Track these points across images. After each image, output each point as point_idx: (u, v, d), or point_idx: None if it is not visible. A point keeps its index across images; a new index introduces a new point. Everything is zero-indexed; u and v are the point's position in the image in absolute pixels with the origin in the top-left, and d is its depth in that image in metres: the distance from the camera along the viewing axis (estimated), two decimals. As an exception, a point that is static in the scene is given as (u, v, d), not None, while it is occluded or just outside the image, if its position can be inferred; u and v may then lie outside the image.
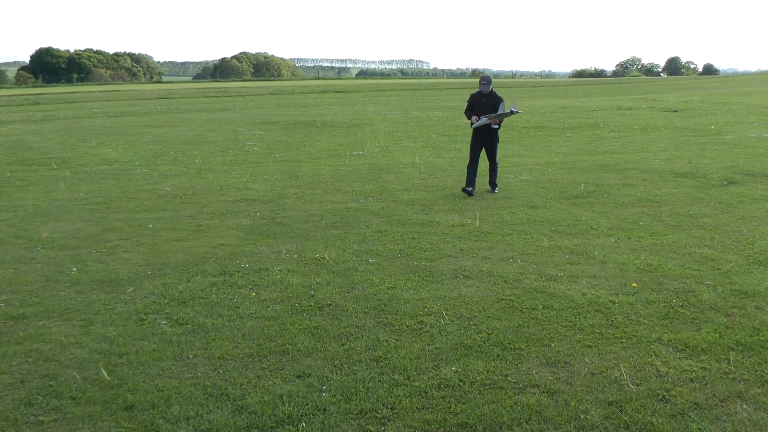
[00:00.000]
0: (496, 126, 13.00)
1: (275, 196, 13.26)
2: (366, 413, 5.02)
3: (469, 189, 13.18)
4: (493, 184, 13.77)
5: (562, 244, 9.46)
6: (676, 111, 32.55)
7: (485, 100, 13.13)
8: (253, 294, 7.47)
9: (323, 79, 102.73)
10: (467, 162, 13.65)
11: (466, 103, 13.63)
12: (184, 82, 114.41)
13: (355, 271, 8.13)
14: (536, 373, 5.65)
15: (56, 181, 15.58)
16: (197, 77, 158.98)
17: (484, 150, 13.53)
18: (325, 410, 5.05)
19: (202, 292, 7.52)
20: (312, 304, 7.17)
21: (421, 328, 6.54)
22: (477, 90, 13.33)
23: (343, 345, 6.17)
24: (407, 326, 6.60)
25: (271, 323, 6.66)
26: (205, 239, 9.86)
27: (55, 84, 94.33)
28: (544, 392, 5.33)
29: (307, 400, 5.19)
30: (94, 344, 6.21)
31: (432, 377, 5.57)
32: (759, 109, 33.12)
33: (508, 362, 5.85)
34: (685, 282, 7.71)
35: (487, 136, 13.34)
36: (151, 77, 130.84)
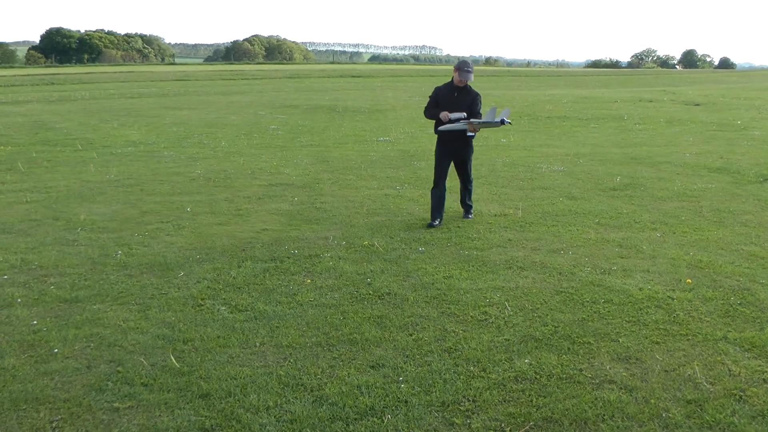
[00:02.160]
0: (473, 134, 9.55)
1: (309, 181, 13.08)
2: (448, 405, 4.88)
3: (436, 223, 9.80)
4: (467, 206, 10.37)
5: (609, 237, 9.30)
6: (698, 104, 32.26)
7: (457, 96, 9.55)
8: (308, 281, 7.30)
9: (338, 63, 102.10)
10: (431, 184, 10.27)
11: (428, 99, 9.86)
12: (197, 64, 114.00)
13: (407, 259, 7.97)
14: (610, 368, 5.50)
15: (83, 162, 15.41)
16: (209, 59, 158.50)
17: (453, 166, 10.07)
18: (406, 402, 4.90)
19: (256, 278, 7.35)
20: (370, 292, 7.01)
21: (486, 319, 6.37)
22: (446, 81, 9.78)
23: (410, 335, 6.01)
24: (471, 317, 6.44)
25: (333, 311, 6.49)
26: (246, 224, 9.70)
27: (66, 64, 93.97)
28: (621, 388, 5.19)
29: (386, 391, 5.03)
30: (155, 329, 6.05)
31: (507, 369, 5.42)
32: (783, 104, 32.75)
33: (579, 356, 5.70)
34: (738, 280, 7.55)
35: (459, 148, 9.77)
36: (163, 59, 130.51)
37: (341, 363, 5.48)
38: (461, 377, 5.28)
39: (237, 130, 21.48)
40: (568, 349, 5.85)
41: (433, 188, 9.89)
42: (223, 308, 6.52)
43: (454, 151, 9.84)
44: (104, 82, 52.44)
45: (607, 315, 6.58)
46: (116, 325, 6.16)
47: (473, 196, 10.70)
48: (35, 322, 6.20)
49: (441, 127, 9.43)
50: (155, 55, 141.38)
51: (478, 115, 9.60)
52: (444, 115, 9.36)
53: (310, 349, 5.72)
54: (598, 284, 7.43)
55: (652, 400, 5.01)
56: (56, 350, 5.64)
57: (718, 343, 5.96)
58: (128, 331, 6.03)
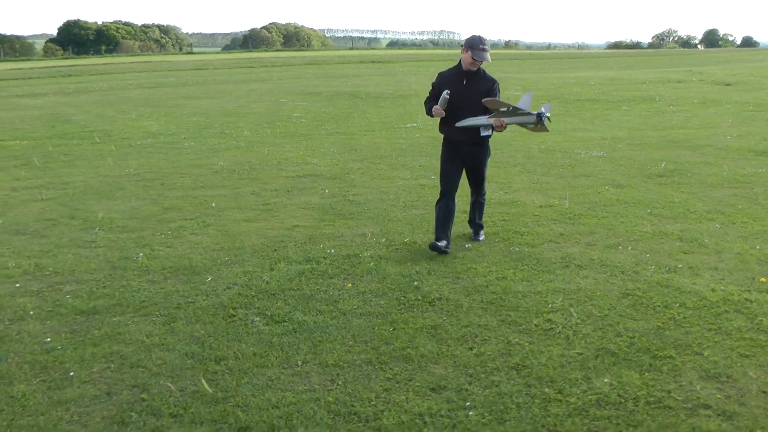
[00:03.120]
0: (488, 134, 7.42)
1: (339, 171, 12.35)
2: (527, 440, 4.09)
3: (442, 244, 7.62)
4: (477, 226, 8.27)
5: (667, 230, 8.64)
6: (728, 84, 31.31)
7: (468, 84, 7.40)
8: (349, 285, 6.60)
9: (357, 49, 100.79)
10: (437, 197, 7.99)
11: (431, 87, 7.74)
12: (215, 53, 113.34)
13: (454, 257, 7.26)
14: (701, 389, 4.82)
15: (102, 155, 14.73)
16: (226, 48, 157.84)
17: (465, 174, 7.91)
18: (477, 435, 4.13)
19: (291, 283, 6.65)
20: (419, 297, 6.32)
21: (552, 329, 5.66)
22: (453, 66, 7.67)
23: (471, 349, 5.31)
24: (536, 326, 5.73)
25: (381, 321, 5.79)
26: (276, 220, 8.99)
27: (84, 56, 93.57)
28: (719, 415, 4.50)
29: (453, 420, 4.36)
30: (183, 346, 5.35)
31: (586, 391, 4.74)
32: (815, 83, 31.75)
33: (664, 374, 5.03)
34: None
35: (473, 150, 7.61)
36: (181, 48, 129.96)
37: (397, 386, 4.78)
38: (536, 401, 4.59)
39: (259, 119, 20.74)
40: (650, 365, 5.16)
41: (438, 200, 7.65)
42: (258, 319, 5.83)
43: (465, 154, 7.55)
44: (122, 73, 51.83)
45: (683, 322, 5.90)
46: (139, 341, 5.47)
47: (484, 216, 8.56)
48: (49, 339, 5.53)
49: (458, 124, 7.31)
50: (173, 45, 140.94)
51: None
52: (437, 110, 7.33)
53: (360, 368, 5.02)
54: (666, 285, 6.75)
55: (758, 431, 4.32)
56: (72, 373, 4.96)
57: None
58: (152, 348, 5.34)
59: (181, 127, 19.44)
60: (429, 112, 7.49)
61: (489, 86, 7.33)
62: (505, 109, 7.06)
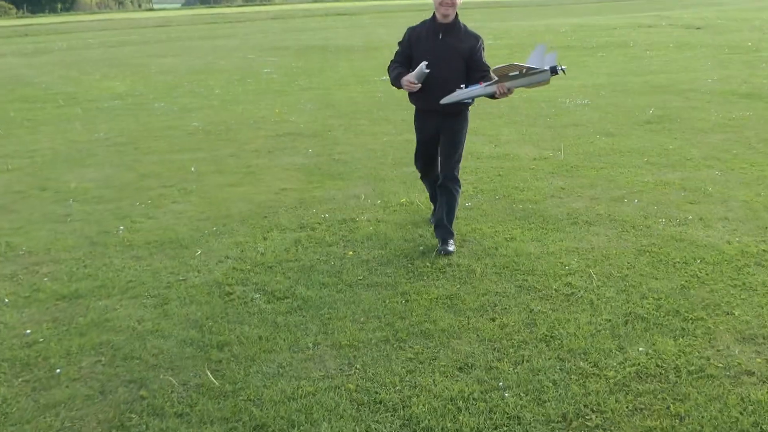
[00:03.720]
0: (469, 101, 6.02)
1: (319, 129, 11.82)
2: (572, 421, 3.81)
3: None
4: (445, 230, 6.42)
5: (668, 179, 8.36)
6: (699, 28, 31.00)
7: (443, 39, 5.97)
8: (350, 253, 6.16)
9: (321, 1, 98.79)
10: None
11: (398, 47, 6.25)
12: (176, 9, 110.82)
13: (456, 217, 6.78)
14: (739, 353, 4.50)
15: (68, 119, 13.99)
16: (187, 3, 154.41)
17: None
18: (519, 419, 3.84)
19: (288, 253, 6.19)
20: (427, 264, 5.93)
21: (573, 293, 5.32)
22: (425, 20, 6.13)
23: (493, 320, 4.93)
24: (556, 291, 5.38)
25: (391, 293, 5.38)
26: (262, 184, 8.48)
27: (40, 14, 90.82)
28: (764, 381, 4.19)
29: (489, 405, 3.97)
30: (180, 331, 4.89)
31: (623, 363, 4.41)
32: (783, 24, 31.58)
33: (698, 338, 4.70)
34: None
35: (448, 120, 6.19)
36: (140, 5, 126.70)
37: (421, 366, 4.39)
38: (573, 378, 4.23)
39: (229, 76, 19.99)
40: (682, 329, 4.83)
41: (420, 177, 6.88)
42: (258, 296, 5.37)
43: (438, 126, 6.20)
44: (81, 32, 50.18)
45: (707, 279, 5.60)
46: (130, 328, 4.99)
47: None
48: (29, 330, 5.01)
49: (446, 99, 5.86)
50: (131, 2, 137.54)
51: (482, 73, 5.95)
52: (409, 84, 5.85)
53: (378, 348, 4.61)
54: (680, 239, 6.45)
55: (809, 396, 3.90)
56: (59, 370, 4.46)
57: None
58: (146, 335, 4.86)
59: (149, 86, 18.65)
60: (395, 82, 5.96)
61: (471, 44, 5.86)
62: (516, 72, 5.57)
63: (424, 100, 6.02)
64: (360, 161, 9.45)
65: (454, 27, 5.92)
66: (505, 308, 5.13)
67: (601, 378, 4.23)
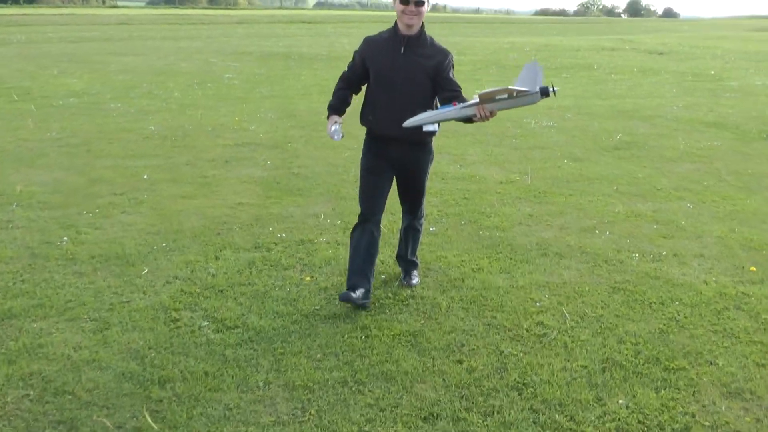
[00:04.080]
0: (434, 128, 5.09)
1: (280, 140, 11.36)
2: (549, 490, 3.34)
3: (358, 295, 5.22)
4: (409, 264, 5.90)
5: (639, 210, 8.12)
6: (662, 53, 31.24)
7: (408, 55, 5.05)
8: (308, 278, 5.73)
9: (285, 8, 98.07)
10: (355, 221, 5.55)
11: (352, 60, 5.30)
12: (139, 7, 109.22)
13: (420, 243, 6.37)
14: (726, 410, 4.21)
15: (20, 115, 13.30)
16: (151, 2, 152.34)
17: (397, 189, 5.57)
18: (489, 486, 3.36)
19: (241, 276, 5.73)
20: (390, 295, 5.56)
21: (545, 334, 4.96)
22: (384, 31, 5.21)
23: (460, 362, 4.55)
24: (527, 330, 5.01)
25: (350, 327, 4.99)
26: (216, 196, 8.01)
27: (1, 5, 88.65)
28: (755, 445, 3.73)
29: (458, 465, 3.48)
30: (119, 362, 4.41)
31: (602, 418, 4.08)
32: (743, 55, 31.97)
33: (681, 391, 4.39)
34: None
35: (409, 152, 5.28)
36: (104, 1, 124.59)
37: (381, 415, 3.98)
38: (549, 433, 3.77)
39: (189, 79, 19.40)
40: (664, 380, 4.51)
41: (356, 226, 5.35)
42: (206, 324, 4.92)
43: (397, 158, 5.18)
44: (42, 25, 48.80)
45: (686, 323, 5.29)
46: (65, 356, 4.50)
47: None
48: (-48, 355, 4.46)
49: (411, 121, 4.87)
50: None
51: (453, 93, 5.02)
52: (331, 130, 5.20)
53: (334, 390, 4.18)
54: (655, 276, 6.16)
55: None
56: (-20, 406, 3.93)
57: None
58: (82, 366, 4.37)
59: (107, 85, 17.96)
60: (328, 111, 5.30)
61: (439, 60, 4.97)
62: (504, 96, 4.74)
63: (382, 124, 5.06)
64: (320, 176, 9.02)
65: (419, 40, 5.00)
66: (473, 349, 4.75)
67: (580, 435, 3.84)
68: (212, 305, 5.22)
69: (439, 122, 4.95)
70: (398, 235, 5.91)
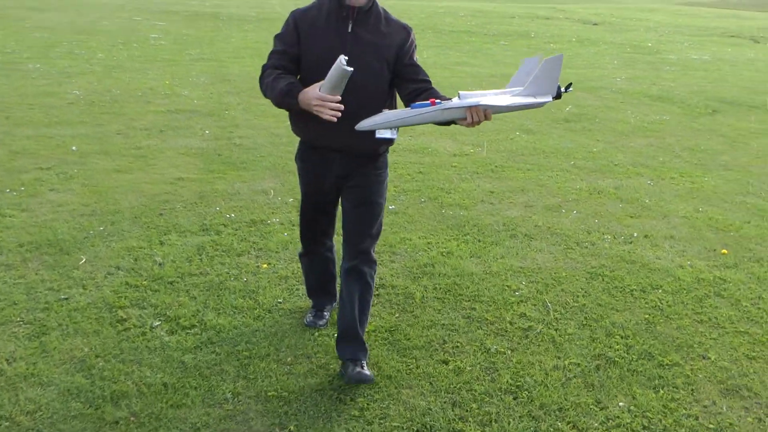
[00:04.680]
0: (389, 135, 3.49)
1: (216, 107, 10.68)
2: None
3: (322, 323, 4.58)
4: (357, 344, 3.99)
5: (601, 187, 7.90)
6: (596, 24, 31.19)
7: (357, 33, 3.60)
8: (265, 265, 5.22)
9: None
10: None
11: (275, 45, 3.72)
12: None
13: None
14: (728, 409, 3.95)
15: (-74, 79, 12.23)
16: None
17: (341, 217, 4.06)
18: None
19: (191, 264, 5.18)
20: (359, 285, 4.92)
21: (530, 328, 4.60)
22: (315, 1, 3.72)
23: (446, 363, 4.13)
24: (510, 324, 4.65)
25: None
26: (154, 170, 7.37)
27: None
28: (764, 449, 3.47)
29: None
30: (64, 377, 3.85)
31: (606, 424, 3.80)
32: (676, 29, 32.13)
33: (680, 390, 4.11)
34: None
35: (357, 166, 3.86)
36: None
37: (369, 428, 3.57)
38: (554, 447, 3.38)
39: (112, 39, 18.28)
40: (660, 377, 4.23)
41: (301, 255, 4.48)
42: (159, 324, 4.36)
43: (341, 175, 3.90)
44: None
45: (670, 313, 5.03)
46: (-3, 367, 3.85)
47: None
48: None
49: (366, 123, 3.50)
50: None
51: (422, 85, 3.71)
52: (317, 100, 3.34)
53: (313, 401, 3.70)
54: (630, 260, 5.89)
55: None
56: None
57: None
58: (18, 382, 3.77)
59: (23, 43, 16.71)
60: (286, 99, 3.47)
61: (400, 40, 3.65)
62: (521, 103, 3.38)
63: (323, 131, 3.55)
64: (264, 148, 8.44)
65: (371, 14, 3.60)
66: (457, 346, 4.33)
67: (585, 446, 3.45)
68: (162, 300, 4.64)
69: (401, 126, 3.47)
70: (339, 289, 4.13)
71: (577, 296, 5.14)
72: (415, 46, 3.69)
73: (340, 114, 3.26)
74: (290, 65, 3.59)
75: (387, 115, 3.44)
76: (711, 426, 3.77)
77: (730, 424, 3.79)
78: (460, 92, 3.32)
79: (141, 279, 4.94)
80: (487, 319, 4.70)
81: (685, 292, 5.36)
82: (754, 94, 14.84)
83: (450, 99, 3.38)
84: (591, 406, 3.84)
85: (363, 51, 3.52)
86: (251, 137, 9.00)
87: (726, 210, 7.35)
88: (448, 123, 3.44)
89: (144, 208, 6.31)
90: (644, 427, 3.72)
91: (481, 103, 3.23)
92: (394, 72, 3.64)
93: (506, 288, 5.17)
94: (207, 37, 19.72)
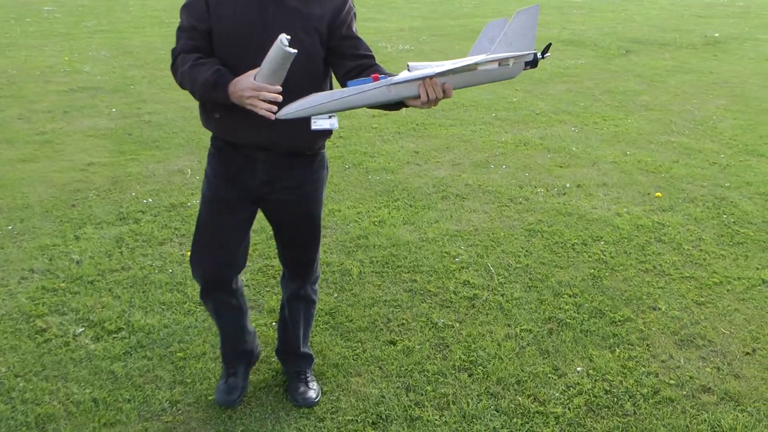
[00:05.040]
0: (328, 125, 2.58)
1: (120, 82, 10.12)
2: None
3: (235, 398, 3.45)
4: (305, 361, 3.65)
5: (526, 138, 7.81)
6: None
7: (281, 3, 2.76)
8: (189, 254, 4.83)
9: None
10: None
11: (182, 22, 2.82)
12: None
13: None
14: (686, 362, 3.87)
15: None
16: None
17: (273, 236, 3.42)
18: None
19: (111, 260, 4.82)
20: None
21: (476, 296, 4.41)
22: None
23: (393, 344, 3.93)
24: (455, 294, 4.45)
25: (254, 314, 4.31)
26: (61, 157, 6.91)
27: None
28: (725, 400, 3.58)
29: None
30: (-22, 396, 3.43)
31: (567, 393, 3.66)
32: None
33: (636, 348, 4.01)
34: (703, 186, 6.46)
35: (294, 171, 3.05)
36: None
37: (322, 426, 3.33)
38: (518, 423, 3.26)
39: (4, 14, 17.16)
40: (614, 335, 4.12)
41: (202, 296, 3.35)
42: (81, 330, 4.02)
43: (266, 184, 3.06)
44: None
45: (614, 264, 4.95)
46: None
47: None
48: None
49: (288, 110, 2.61)
50: None
51: (364, 61, 2.94)
52: (251, 91, 2.57)
53: (258, 400, 3.49)
54: (567, 213, 5.81)
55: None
56: None
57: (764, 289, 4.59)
58: (-74, 408, 3.37)
59: None
60: (213, 92, 2.70)
61: (334, 7, 2.89)
62: (493, 66, 2.70)
63: (239, 124, 2.85)
64: (176, 123, 8.02)
65: None
66: (403, 324, 4.11)
67: (549, 418, 3.38)
68: (84, 303, 4.29)
69: (337, 111, 2.64)
70: (278, 314, 3.63)
71: (519, 256, 4.97)
72: (354, 13, 2.92)
73: (276, 108, 2.55)
74: (205, 44, 2.79)
75: (315, 97, 2.59)
76: (672, 382, 3.67)
77: (690, 377, 3.71)
78: (409, 63, 2.63)
79: (58, 281, 4.55)
80: (430, 291, 4.49)
81: (626, 241, 5.29)
82: (663, 32, 14.95)
83: (397, 75, 2.60)
84: (549, 375, 3.68)
85: (288, 23, 2.73)
86: (161, 112, 8.54)
87: (653, 151, 7.33)
88: (397, 105, 2.71)
89: (55, 200, 5.87)
90: (606, 392, 3.58)
91: (437, 72, 2.54)
92: (328, 47, 2.87)
93: (445, 255, 4.97)
94: (104, 7, 18.78)
